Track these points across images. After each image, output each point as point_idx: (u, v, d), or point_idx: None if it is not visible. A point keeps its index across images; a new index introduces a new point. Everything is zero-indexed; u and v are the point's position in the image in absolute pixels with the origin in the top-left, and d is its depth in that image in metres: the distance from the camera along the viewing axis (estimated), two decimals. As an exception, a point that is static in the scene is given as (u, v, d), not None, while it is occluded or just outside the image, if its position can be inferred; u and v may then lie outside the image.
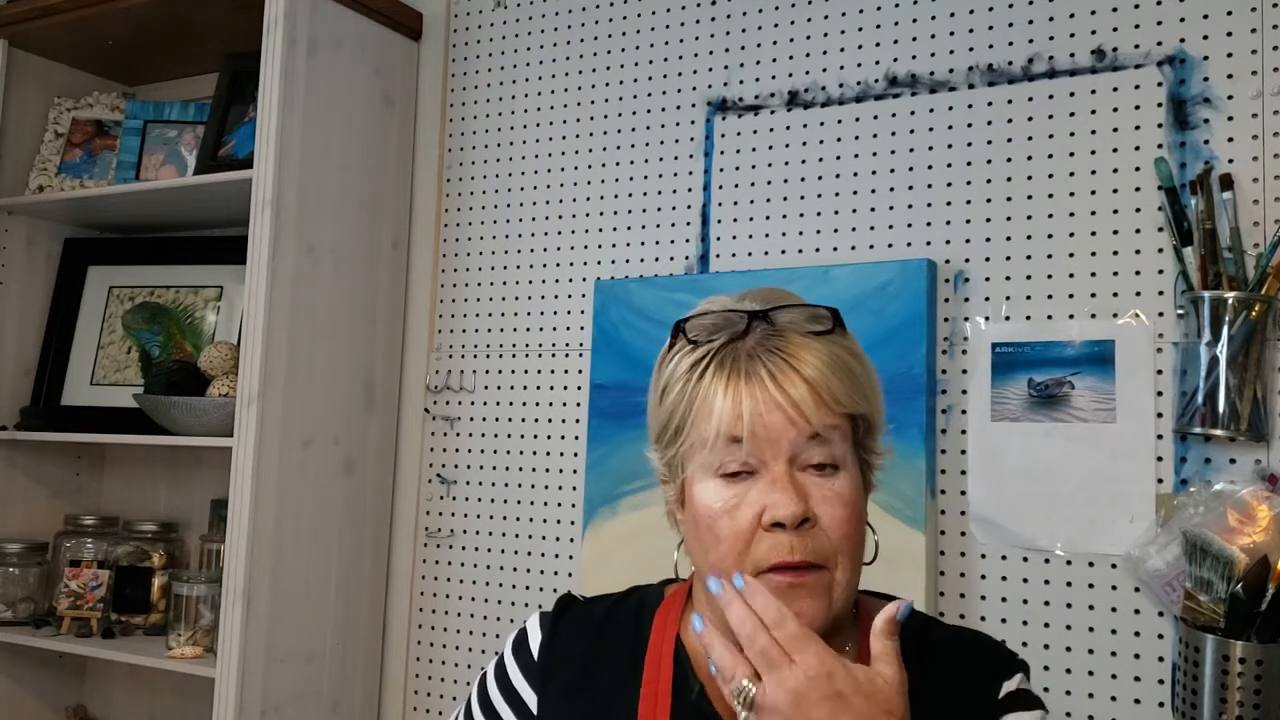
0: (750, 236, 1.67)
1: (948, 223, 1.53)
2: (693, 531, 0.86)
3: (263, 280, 1.69)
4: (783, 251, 1.64)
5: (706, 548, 0.83)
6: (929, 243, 1.54)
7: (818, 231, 1.62)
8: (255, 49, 1.75)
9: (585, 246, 1.81)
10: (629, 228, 1.77)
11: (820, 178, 1.62)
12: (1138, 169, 1.41)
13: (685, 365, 0.86)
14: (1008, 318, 1.47)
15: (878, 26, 1.61)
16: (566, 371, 1.80)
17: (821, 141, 1.63)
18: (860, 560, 0.84)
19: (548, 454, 1.80)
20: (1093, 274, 1.43)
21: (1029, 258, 1.47)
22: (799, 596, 0.80)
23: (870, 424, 0.86)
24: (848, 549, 0.82)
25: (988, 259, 1.50)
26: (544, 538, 1.79)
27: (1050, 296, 1.45)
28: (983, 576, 1.46)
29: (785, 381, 0.81)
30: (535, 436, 1.82)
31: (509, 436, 1.84)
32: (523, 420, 1.83)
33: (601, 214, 1.80)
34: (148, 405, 1.85)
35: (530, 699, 0.93)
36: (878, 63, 1.60)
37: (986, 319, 1.48)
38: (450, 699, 1.85)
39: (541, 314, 1.84)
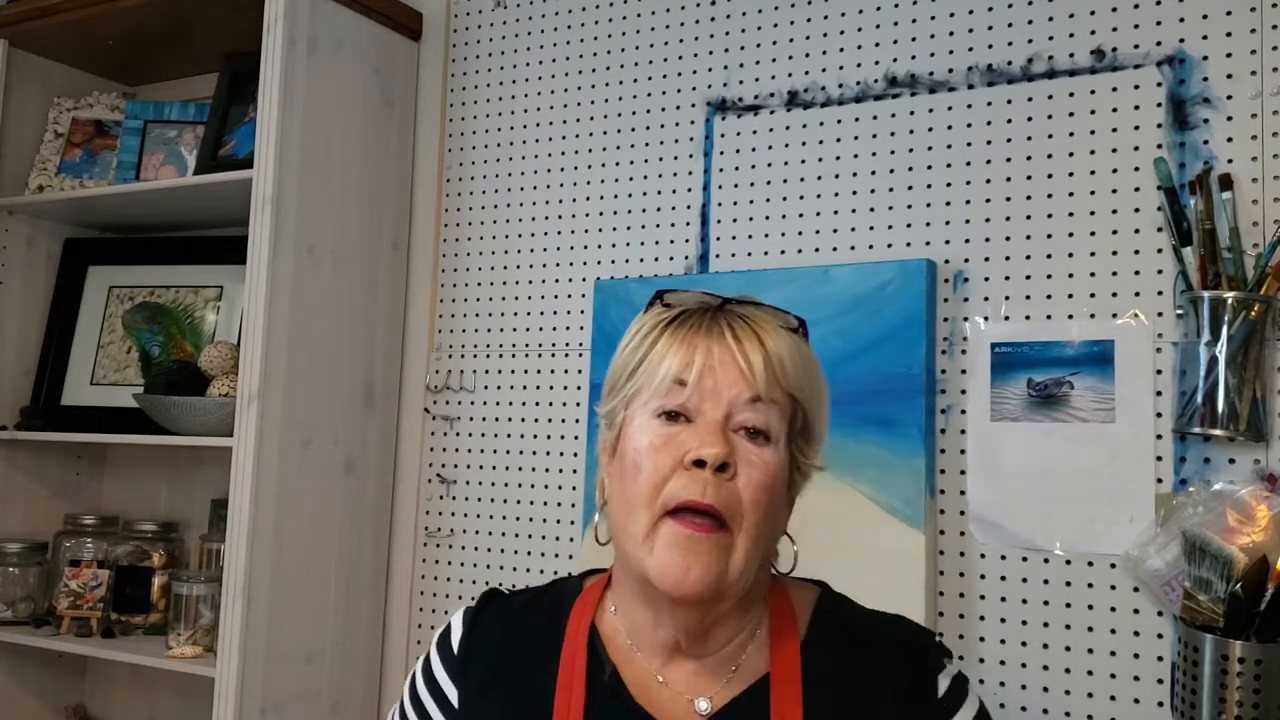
0: (750, 236, 1.67)
1: (948, 223, 1.53)
2: (618, 472, 0.87)
3: (263, 280, 1.69)
4: (782, 251, 1.64)
5: (626, 482, 0.85)
6: (929, 243, 1.54)
7: (817, 231, 1.62)
8: (255, 49, 1.75)
9: (585, 246, 1.81)
10: (629, 228, 1.77)
11: (820, 178, 1.62)
12: (1137, 169, 1.41)
13: (652, 322, 0.90)
14: (1007, 318, 1.47)
15: (878, 26, 1.61)
16: (566, 371, 1.80)
17: (821, 141, 1.63)
18: (766, 540, 0.85)
19: (548, 454, 1.80)
20: (1092, 274, 1.43)
21: (1029, 258, 1.47)
22: (697, 549, 0.81)
23: (808, 421, 0.88)
24: (755, 519, 0.83)
25: (988, 259, 1.50)
26: (544, 538, 1.79)
27: (1050, 296, 1.45)
28: (982, 576, 1.46)
29: (745, 341, 0.85)
30: (535, 436, 1.82)
31: (509, 436, 1.84)
32: (523, 420, 1.83)
33: (601, 214, 1.80)
34: (148, 405, 1.85)
35: (452, 693, 0.94)
36: (878, 63, 1.60)
37: (986, 319, 1.48)
38: (450, 699, 1.85)
39: (541, 314, 1.84)
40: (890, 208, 1.57)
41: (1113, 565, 1.38)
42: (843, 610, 0.93)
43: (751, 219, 1.67)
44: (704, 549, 0.81)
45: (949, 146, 1.54)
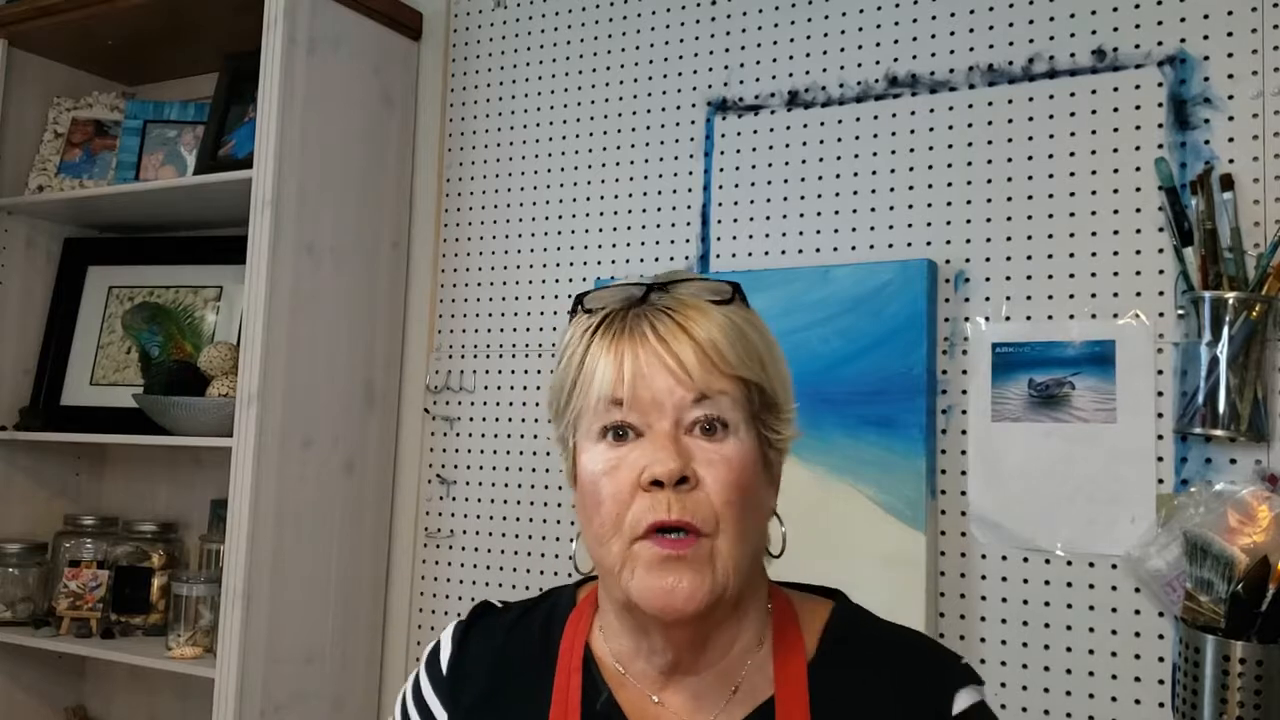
0: (750, 236, 1.67)
1: (948, 223, 1.53)
2: (580, 503, 0.83)
3: (262, 280, 1.68)
4: (783, 251, 1.64)
5: (590, 515, 0.80)
6: (929, 243, 1.53)
7: (818, 231, 1.62)
8: (255, 49, 1.75)
9: (585, 246, 1.81)
10: (629, 228, 1.77)
11: (820, 178, 1.62)
12: (1138, 169, 1.41)
13: (579, 332, 0.83)
14: (1008, 318, 1.47)
15: (878, 26, 1.60)
16: (566, 371, 1.80)
17: (821, 141, 1.63)
18: (751, 535, 0.80)
19: (548, 454, 1.80)
20: (1093, 274, 1.43)
21: (1029, 258, 1.47)
22: (678, 570, 0.76)
23: (767, 396, 0.82)
24: (732, 516, 0.77)
25: (988, 259, 1.49)
26: (544, 538, 1.79)
27: (1050, 296, 1.45)
28: (983, 577, 1.45)
29: (671, 340, 0.78)
30: (535, 436, 1.82)
31: (509, 436, 1.84)
32: (523, 420, 1.83)
33: (601, 214, 1.80)
34: (147, 405, 1.85)
35: (441, 715, 0.90)
36: (878, 63, 1.60)
37: (986, 319, 1.48)
38: (450, 699, 1.85)
39: (541, 314, 1.84)
40: (891, 208, 1.57)
41: (1114, 566, 1.38)
42: (858, 626, 0.86)
43: (752, 219, 1.67)
44: (685, 564, 0.76)
45: (950, 146, 1.53)
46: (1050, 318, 1.44)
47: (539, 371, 1.83)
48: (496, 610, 0.95)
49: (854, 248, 1.59)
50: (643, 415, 0.78)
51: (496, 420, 1.86)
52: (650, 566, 0.76)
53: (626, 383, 0.78)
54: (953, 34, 1.55)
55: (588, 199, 1.82)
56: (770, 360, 0.83)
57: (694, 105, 1.74)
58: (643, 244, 1.76)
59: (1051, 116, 1.47)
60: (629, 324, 0.80)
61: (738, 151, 1.69)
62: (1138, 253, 1.40)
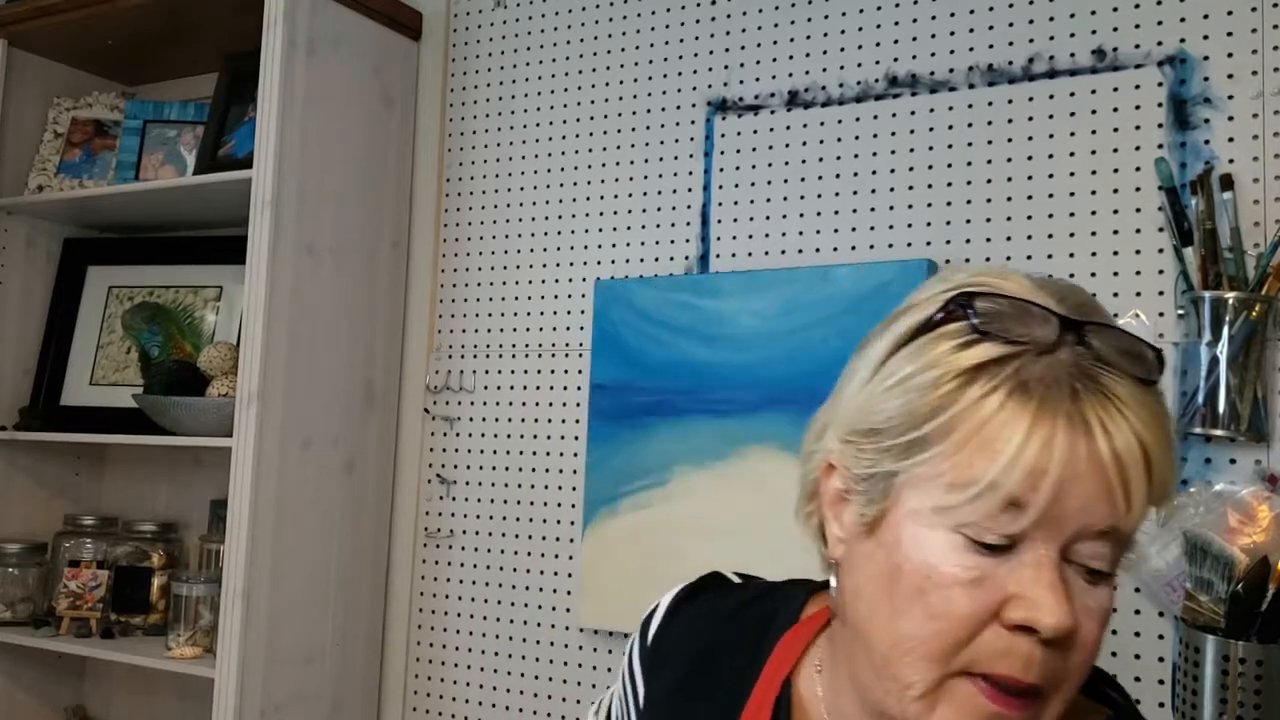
0: (750, 236, 1.67)
1: (948, 223, 1.53)
2: (880, 583, 0.63)
3: (262, 280, 1.68)
4: (783, 251, 1.64)
5: (898, 612, 0.61)
6: (929, 243, 1.53)
7: (818, 231, 1.62)
8: (255, 49, 1.75)
9: (585, 246, 1.81)
10: (629, 228, 1.77)
11: (820, 178, 1.62)
12: (1138, 169, 1.41)
13: (963, 360, 0.60)
14: (1008, 318, 1.47)
15: (878, 26, 1.60)
16: (566, 371, 1.80)
17: (821, 141, 1.63)
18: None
19: (548, 454, 1.80)
20: (1093, 274, 1.43)
21: (1029, 258, 1.47)
22: None
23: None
24: (1079, 675, 0.61)
25: (988, 259, 1.49)
26: (544, 538, 1.79)
27: (1050, 296, 1.45)
28: (983, 577, 1.45)
29: (1119, 440, 0.58)
30: (535, 436, 1.82)
31: (509, 436, 1.84)
32: (523, 420, 1.83)
33: (601, 214, 1.80)
34: (147, 405, 1.85)
35: (640, 685, 0.81)
36: (878, 63, 1.60)
37: (987, 319, 1.48)
38: (450, 699, 1.85)
39: (541, 314, 1.84)
40: (891, 208, 1.57)
41: (1113, 566, 1.38)
42: None
43: (752, 219, 1.67)
44: None
45: (950, 146, 1.53)
46: (1050, 318, 1.44)
47: (539, 371, 1.83)
48: (722, 589, 0.83)
49: (854, 248, 1.59)
50: (1037, 526, 0.58)
51: (496, 420, 1.86)
52: (963, 715, 0.60)
53: (1050, 484, 0.57)
54: (953, 34, 1.55)
55: (588, 199, 1.82)
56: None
57: (694, 105, 1.74)
58: (643, 244, 1.76)
59: (1051, 116, 1.47)
60: (1062, 399, 0.58)
61: (738, 151, 1.69)
62: (1138, 253, 1.40)
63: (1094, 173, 1.44)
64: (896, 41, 1.59)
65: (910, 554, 0.61)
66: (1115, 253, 1.42)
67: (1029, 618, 0.58)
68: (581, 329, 1.79)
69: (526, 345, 1.85)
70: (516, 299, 1.87)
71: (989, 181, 1.50)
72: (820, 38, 1.65)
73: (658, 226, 1.75)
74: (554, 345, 1.82)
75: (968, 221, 1.51)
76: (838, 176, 1.61)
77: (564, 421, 1.79)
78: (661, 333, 1.65)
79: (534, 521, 1.80)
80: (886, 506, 0.63)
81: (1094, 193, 1.44)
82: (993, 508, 0.58)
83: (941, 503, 0.60)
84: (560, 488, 1.78)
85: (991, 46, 1.52)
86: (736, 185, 1.69)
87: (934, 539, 0.60)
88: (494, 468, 1.85)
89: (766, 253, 1.65)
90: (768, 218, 1.66)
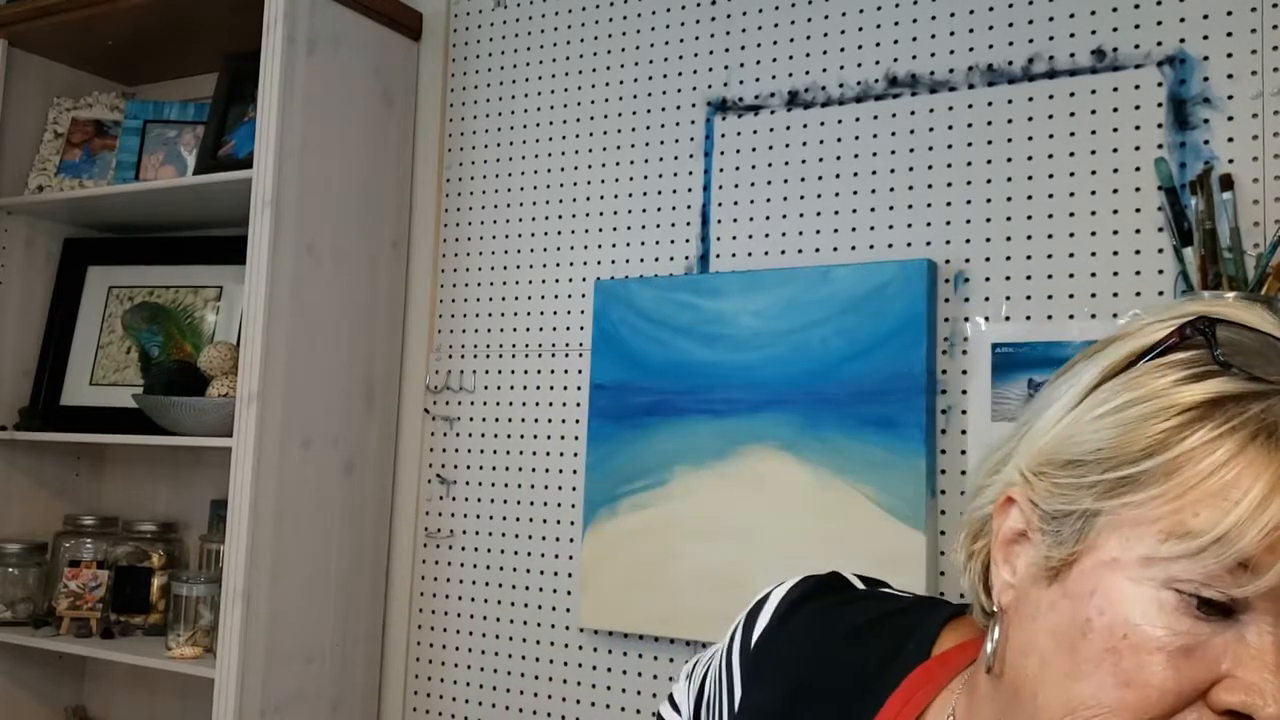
0: (750, 236, 1.67)
1: (948, 223, 1.53)
2: (1060, 637, 0.55)
3: (262, 280, 1.68)
4: (783, 252, 1.64)
5: (1079, 674, 0.53)
6: (929, 243, 1.54)
7: (818, 231, 1.62)
8: (255, 49, 1.75)
9: (585, 246, 1.81)
10: (629, 228, 1.77)
11: (820, 178, 1.62)
12: (1138, 169, 1.41)
13: (1194, 393, 0.52)
14: (1008, 318, 1.47)
15: (878, 26, 1.61)
16: (566, 371, 1.80)
17: (821, 141, 1.63)
18: None
19: (548, 454, 1.80)
20: (1093, 274, 1.43)
21: (1029, 258, 1.47)
22: None
23: None
24: None
25: (988, 259, 1.50)
26: (544, 538, 1.79)
27: (1050, 296, 1.45)
28: (983, 577, 1.45)
29: None
30: (535, 436, 1.82)
31: (509, 436, 1.84)
32: (523, 420, 1.83)
33: (601, 214, 1.80)
34: (147, 405, 1.85)
35: (737, 689, 0.74)
36: (878, 63, 1.60)
37: (986, 319, 1.48)
38: (450, 699, 1.85)
39: (541, 314, 1.84)
40: (890, 208, 1.57)
41: (1113, 566, 1.38)
42: None
43: (751, 219, 1.67)
44: None
45: (949, 146, 1.53)
46: (1050, 318, 1.44)
47: (539, 371, 1.83)
48: (845, 597, 0.76)
49: (854, 248, 1.59)
50: (1266, 598, 0.50)
51: (496, 420, 1.86)
52: None
53: None
54: (953, 34, 1.55)
55: (588, 199, 1.82)
56: None
57: (694, 105, 1.74)
58: (643, 244, 1.76)
59: (1051, 116, 1.47)
60: None
61: (738, 151, 1.69)
62: (1137, 253, 1.41)
63: (1094, 173, 1.44)
64: (896, 41, 1.59)
65: (1105, 607, 0.53)
66: (1115, 253, 1.42)
67: (1247, 703, 0.49)
68: (581, 329, 1.79)
69: (526, 345, 1.85)
70: (516, 299, 1.87)
71: (989, 181, 1.50)
72: (820, 38, 1.65)
73: (658, 226, 1.75)
74: (554, 345, 1.82)
75: (968, 221, 1.51)
76: (838, 176, 1.61)
77: (564, 421, 1.79)
78: (661, 333, 1.66)
79: (534, 521, 1.80)
80: (1079, 551, 0.55)
81: (1094, 193, 1.44)
82: (1218, 566, 0.50)
83: (1154, 553, 0.51)
84: (560, 488, 1.78)
85: (991, 46, 1.52)
86: (736, 185, 1.69)
87: (1138, 593, 0.52)
88: (494, 468, 1.85)
89: (766, 253, 1.65)
90: (768, 218, 1.66)
